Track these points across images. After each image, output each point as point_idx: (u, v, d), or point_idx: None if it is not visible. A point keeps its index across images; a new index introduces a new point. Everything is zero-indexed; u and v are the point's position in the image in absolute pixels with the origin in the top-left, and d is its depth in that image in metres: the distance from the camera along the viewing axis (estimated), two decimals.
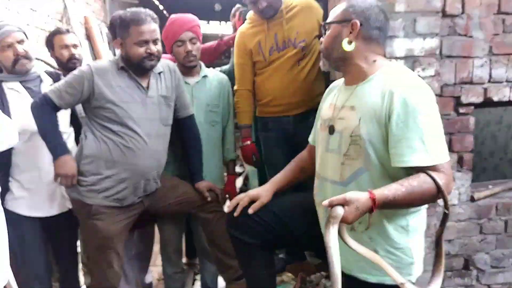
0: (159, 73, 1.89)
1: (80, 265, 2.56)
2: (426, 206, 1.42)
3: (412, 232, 1.36)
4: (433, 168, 1.22)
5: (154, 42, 1.77)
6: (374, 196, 1.13)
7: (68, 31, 2.39)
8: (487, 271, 2.12)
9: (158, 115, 1.85)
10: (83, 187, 1.79)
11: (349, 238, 1.19)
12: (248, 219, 1.57)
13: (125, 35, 1.76)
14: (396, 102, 1.24)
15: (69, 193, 1.87)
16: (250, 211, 1.54)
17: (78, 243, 2.36)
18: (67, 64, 2.25)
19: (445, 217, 1.27)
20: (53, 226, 2.04)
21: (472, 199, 2.05)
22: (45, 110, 1.75)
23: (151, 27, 1.76)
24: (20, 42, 1.89)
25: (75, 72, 1.80)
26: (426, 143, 1.21)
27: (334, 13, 1.42)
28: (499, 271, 2.12)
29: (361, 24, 1.34)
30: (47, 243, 2.10)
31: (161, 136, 1.87)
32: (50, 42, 2.30)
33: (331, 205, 1.12)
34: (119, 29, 1.78)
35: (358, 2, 1.38)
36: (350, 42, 1.35)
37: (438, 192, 1.20)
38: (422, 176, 1.20)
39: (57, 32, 2.35)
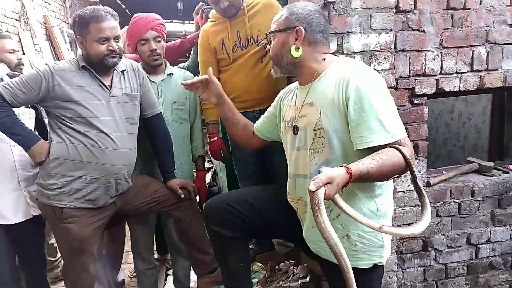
0: (122, 71, 1.88)
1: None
2: (391, 190, 1.50)
3: (382, 216, 1.44)
4: (395, 144, 1.29)
5: (115, 39, 1.76)
6: (350, 171, 1.17)
7: (8, 35, 2.37)
8: (443, 251, 2.26)
9: (123, 113, 1.84)
10: (52, 191, 1.76)
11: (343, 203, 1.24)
12: (226, 212, 1.62)
13: (85, 32, 1.74)
14: (350, 89, 1.32)
15: (38, 197, 1.83)
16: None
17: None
18: (14, 70, 2.22)
19: (414, 179, 1.34)
20: (18, 233, 2.01)
21: (428, 184, 2.17)
22: None
23: (111, 24, 1.75)
24: None
25: (32, 70, 1.75)
26: (383, 123, 1.29)
27: (277, 22, 1.50)
28: (455, 251, 2.27)
29: (305, 30, 1.42)
30: (13, 250, 2.06)
31: (128, 134, 1.86)
32: None
33: (318, 187, 1.12)
34: (79, 27, 1.76)
35: (298, 10, 1.45)
36: (297, 49, 1.43)
37: (406, 164, 1.26)
38: (391, 150, 1.26)
39: None
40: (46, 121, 2.00)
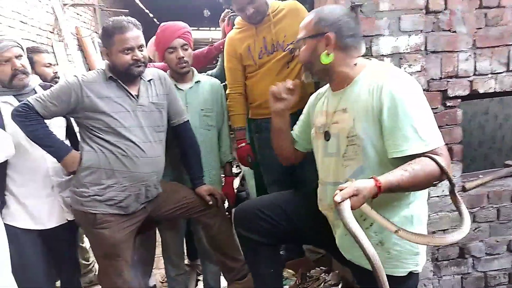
0: (149, 81, 1.92)
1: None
2: (426, 196, 1.46)
3: (416, 222, 1.40)
4: (430, 153, 1.25)
5: (139, 48, 1.79)
6: (380, 184, 1.16)
7: (45, 50, 2.46)
8: (482, 259, 2.17)
9: (150, 122, 1.87)
10: (85, 198, 1.80)
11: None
12: (256, 217, 1.61)
13: (110, 43, 1.78)
14: (384, 95, 1.29)
15: (72, 204, 1.89)
16: None
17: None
18: (50, 83, 2.30)
19: (452, 190, 1.31)
20: (52, 238, 2.05)
21: (464, 189, 2.09)
22: (31, 117, 1.74)
23: (135, 34, 1.78)
24: (18, 57, 1.90)
25: (61, 83, 1.80)
26: (418, 130, 1.25)
27: (305, 28, 1.47)
28: (494, 258, 2.18)
29: (335, 35, 1.39)
30: (47, 255, 2.10)
31: (156, 142, 1.89)
32: (30, 60, 2.34)
33: (343, 199, 1.13)
34: (104, 38, 1.81)
35: (327, 15, 1.43)
36: (328, 55, 1.40)
37: (441, 173, 1.22)
38: (424, 159, 1.23)
39: (36, 50, 2.40)
40: (76, 129, 2.05)
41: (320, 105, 1.57)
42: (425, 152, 1.25)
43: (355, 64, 1.43)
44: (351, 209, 1.13)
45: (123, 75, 1.81)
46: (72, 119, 2.03)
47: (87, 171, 1.81)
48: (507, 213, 2.13)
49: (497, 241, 2.16)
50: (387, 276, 1.37)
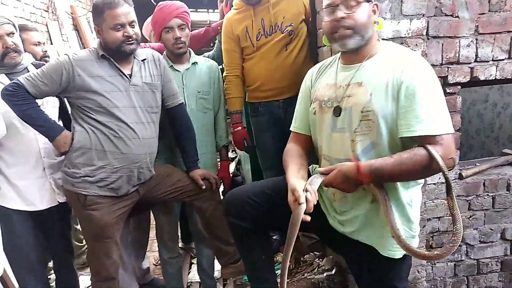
0: (143, 61, 1.87)
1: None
2: (421, 182, 1.46)
3: (414, 206, 1.42)
4: (435, 138, 1.24)
5: (131, 24, 1.74)
6: (358, 164, 1.18)
7: (34, 28, 2.40)
8: (476, 246, 2.18)
9: (143, 103, 1.84)
10: (76, 178, 1.78)
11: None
12: (245, 204, 1.59)
13: (100, 20, 1.74)
14: (405, 75, 1.28)
15: (63, 184, 1.87)
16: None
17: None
18: (40, 61, 2.25)
19: (448, 186, 1.30)
20: (44, 219, 2.03)
21: (461, 177, 2.09)
22: (22, 96, 1.70)
23: (126, 10, 1.73)
24: (10, 34, 1.85)
25: (52, 62, 1.76)
26: (432, 114, 1.25)
27: None
28: (488, 246, 2.18)
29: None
30: (40, 236, 2.09)
31: (149, 123, 1.86)
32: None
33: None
34: (95, 16, 1.76)
35: None
36: (378, 22, 1.40)
37: (433, 164, 1.21)
38: (415, 149, 1.24)
39: (24, 28, 2.35)
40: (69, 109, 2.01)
41: (326, 78, 1.51)
42: (433, 136, 1.24)
43: (378, 40, 1.43)
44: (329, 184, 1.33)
45: (115, 53, 1.77)
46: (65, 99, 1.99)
47: (79, 152, 1.78)
48: (502, 202, 2.13)
49: (491, 229, 2.16)
50: (385, 258, 1.40)
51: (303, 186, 1.35)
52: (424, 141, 1.25)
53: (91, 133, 1.77)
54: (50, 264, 2.41)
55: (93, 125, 1.77)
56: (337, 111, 1.40)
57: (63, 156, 1.85)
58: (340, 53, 1.49)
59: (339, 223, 1.50)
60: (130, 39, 1.74)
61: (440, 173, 2.01)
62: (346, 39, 1.35)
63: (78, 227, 2.82)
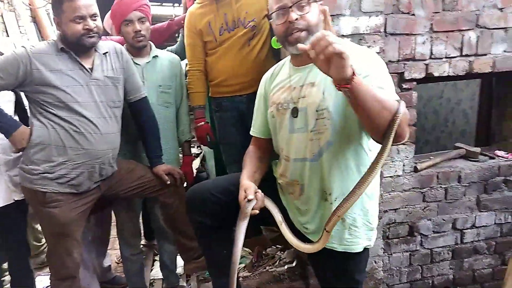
0: (105, 54, 1.83)
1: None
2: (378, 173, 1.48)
3: (373, 198, 1.45)
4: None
5: (92, 17, 1.70)
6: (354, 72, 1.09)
7: None
8: (429, 236, 2.27)
9: (105, 97, 1.79)
10: (35, 175, 1.72)
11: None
12: (207, 200, 1.58)
13: (60, 11, 1.68)
14: (356, 64, 1.25)
15: (21, 181, 1.80)
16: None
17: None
18: None
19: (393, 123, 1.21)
20: None
21: (416, 170, 2.17)
22: None
23: (87, 2, 1.68)
24: None
25: (8, 54, 1.68)
26: (388, 90, 1.26)
27: None
28: (440, 236, 2.29)
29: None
30: None
31: (111, 118, 1.82)
32: None
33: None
34: (54, 7, 1.70)
35: None
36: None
37: (394, 111, 1.15)
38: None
39: None
40: (26, 104, 1.94)
41: (281, 81, 1.53)
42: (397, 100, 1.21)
43: None
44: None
45: (75, 46, 1.72)
46: (22, 94, 1.91)
47: (37, 148, 1.72)
48: (454, 193, 2.23)
49: (444, 220, 2.26)
50: (345, 253, 1.44)
51: (254, 188, 1.43)
52: None
53: (50, 129, 1.71)
54: (5, 265, 2.32)
55: (52, 120, 1.71)
56: (295, 112, 1.42)
57: (20, 153, 1.78)
58: (291, 56, 1.49)
59: (300, 224, 1.52)
60: (91, 32, 1.70)
61: (396, 166, 2.10)
62: (301, 41, 1.33)
63: (37, 226, 2.73)
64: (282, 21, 1.36)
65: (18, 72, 1.65)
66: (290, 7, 1.33)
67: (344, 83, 1.07)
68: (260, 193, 1.44)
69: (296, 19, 1.33)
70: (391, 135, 1.16)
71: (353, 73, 1.06)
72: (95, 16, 1.71)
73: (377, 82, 1.24)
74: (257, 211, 1.40)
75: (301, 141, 1.42)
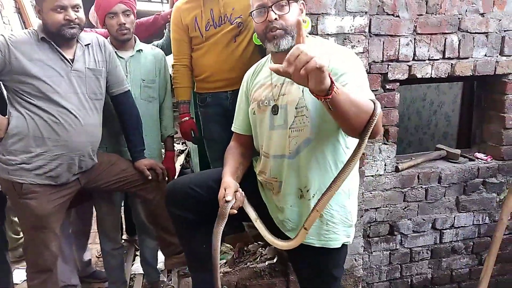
0: (87, 45, 1.81)
1: None
2: (357, 169, 1.49)
3: (352, 195, 1.46)
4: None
5: (74, 8, 1.68)
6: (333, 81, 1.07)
7: None
8: (409, 236, 2.30)
9: (86, 89, 1.78)
10: (11, 166, 1.70)
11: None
12: (187, 195, 1.57)
13: (41, 0, 1.66)
14: (333, 63, 1.29)
15: None
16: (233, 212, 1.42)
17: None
18: None
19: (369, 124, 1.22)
20: None
21: (397, 170, 2.20)
22: None
23: None
24: None
25: None
26: (364, 90, 1.28)
27: None
28: (420, 235, 2.32)
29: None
30: None
31: (92, 110, 1.80)
32: None
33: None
34: None
35: None
36: (304, 21, 1.40)
37: (370, 112, 1.17)
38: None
39: None
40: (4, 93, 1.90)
41: (262, 79, 1.54)
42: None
43: (307, 36, 1.44)
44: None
45: (56, 37, 1.70)
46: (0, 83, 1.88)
47: (15, 138, 1.70)
48: (434, 193, 2.26)
49: (424, 219, 2.29)
50: (323, 248, 1.44)
51: (234, 186, 1.44)
52: None
53: (28, 119, 1.68)
54: None
55: (31, 110, 1.68)
56: (275, 110, 1.44)
57: None
58: (271, 53, 1.50)
59: (279, 220, 1.53)
60: (72, 23, 1.67)
61: (378, 166, 2.12)
62: (278, 39, 1.36)
63: (15, 218, 2.69)
64: (261, 20, 1.38)
65: None
66: (270, 6, 1.35)
67: (324, 94, 1.07)
68: (240, 192, 1.44)
69: (275, 18, 1.34)
70: (367, 135, 1.18)
71: (332, 83, 1.05)
72: (77, 7, 1.69)
73: (353, 80, 1.26)
74: (235, 211, 1.41)
75: (281, 138, 1.43)
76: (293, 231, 1.47)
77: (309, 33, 1.84)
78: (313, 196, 1.40)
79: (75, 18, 1.68)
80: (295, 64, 1.03)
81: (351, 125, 1.19)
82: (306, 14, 1.82)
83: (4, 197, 2.01)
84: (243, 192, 1.46)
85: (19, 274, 2.64)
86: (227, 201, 1.38)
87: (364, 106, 1.16)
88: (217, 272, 1.44)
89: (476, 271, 2.45)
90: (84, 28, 2.29)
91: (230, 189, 1.43)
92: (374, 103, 1.19)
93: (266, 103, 1.47)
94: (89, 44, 1.82)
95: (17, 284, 2.52)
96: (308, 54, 1.00)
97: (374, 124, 1.16)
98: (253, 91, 1.57)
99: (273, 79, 1.48)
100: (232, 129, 1.71)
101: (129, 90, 2.00)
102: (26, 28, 5.03)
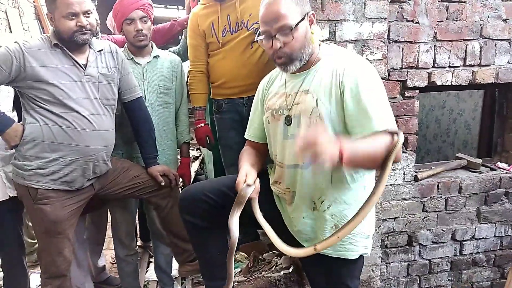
0: (99, 51, 1.82)
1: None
2: (372, 180, 1.46)
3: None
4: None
5: (85, 14, 1.68)
6: (342, 146, 1.07)
7: None
8: (428, 247, 2.25)
9: (99, 94, 1.78)
10: (27, 171, 1.71)
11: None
12: (201, 201, 1.56)
13: (53, 8, 1.67)
14: (347, 77, 1.30)
15: (14, 177, 1.78)
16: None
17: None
18: None
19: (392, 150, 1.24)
20: None
21: (416, 179, 2.15)
22: None
23: None
24: None
25: (1, 50, 1.66)
26: (379, 110, 1.27)
27: (291, 12, 1.32)
28: (439, 246, 2.26)
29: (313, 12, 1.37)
30: None
31: (106, 115, 1.80)
32: None
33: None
34: (48, 2, 1.69)
35: None
36: (312, 33, 1.37)
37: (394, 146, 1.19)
38: (378, 134, 1.22)
39: None
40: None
41: (276, 88, 1.53)
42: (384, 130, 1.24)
43: (320, 44, 1.43)
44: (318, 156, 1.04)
45: (69, 43, 1.71)
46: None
47: (30, 144, 1.70)
48: (454, 204, 2.21)
49: (443, 230, 2.24)
50: (338, 259, 1.41)
51: (255, 174, 1.40)
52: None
53: (43, 125, 1.69)
54: None
55: (45, 116, 1.69)
56: (288, 120, 1.43)
57: (13, 150, 1.77)
58: None
59: (295, 232, 1.50)
60: (84, 29, 1.68)
61: (396, 175, 2.08)
62: (286, 66, 1.36)
63: (30, 223, 2.71)
64: (268, 46, 1.37)
65: (11, 68, 1.63)
66: (274, 35, 1.32)
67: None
68: (258, 183, 1.39)
69: (280, 47, 1.33)
70: (387, 168, 1.19)
71: (341, 155, 1.05)
72: (88, 13, 1.70)
73: (368, 99, 1.26)
74: (256, 196, 1.36)
75: (294, 148, 1.40)
76: (309, 241, 1.44)
77: (326, 40, 1.83)
78: (328, 208, 1.38)
79: (87, 24, 1.68)
80: (308, 148, 1.04)
81: (371, 167, 1.30)
82: (325, 20, 1.81)
83: (21, 202, 2.02)
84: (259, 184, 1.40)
85: (35, 279, 2.65)
86: (248, 185, 1.33)
87: (380, 151, 1.17)
88: (232, 263, 1.37)
89: (499, 285, 2.37)
90: (102, 35, 2.33)
91: (251, 175, 1.39)
92: (393, 134, 1.19)
93: (280, 112, 1.46)
94: (101, 50, 1.83)
95: None
96: (322, 150, 1.02)
97: (393, 157, 1.18)
98: (267, 99, 1.56)
99: (287, 88, 1.46)
100: (246, 136, 1.70)
101: (141, 96, 2.00)
102: (45, 33, 5.13)
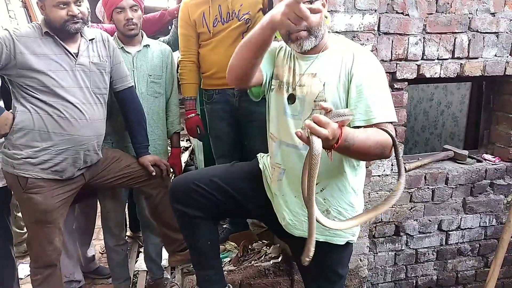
0: (91, 40, 1.80)
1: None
2: (364, 170, 1.50)
3: (359, 194, 1.46)
4: (383, 125, 1.27)
5: (76, 3, 1.67)
6: (342, 130, 1.08)
7: None
8: (415, 237, 2.29)
9: (91, 83, 1.77)
10: (17, 160, 1.69)
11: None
12: (191, 191, 1.57)
13: None
14: (356, 66, 1.32)
15: (3, 166, 1.77)
16: None
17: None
18: None
19: (399, 166, 1.33)
20: None
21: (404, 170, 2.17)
22: None
23: None
24: None
25: None
26: (382, 102, 1.29)
27: None
28: (425, 236, 2.30)
29: None
30: None
31: (97, 104, 1.79)
32: None
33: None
34: None
35: None
36: (326, 17, 1.38)
37: (390, 148, 1.24)
38: (378, 130, 1.24)
39: None
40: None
41: (285, 60, 1.50)
42: (381, 123, 1.27)
43: (329, 32, 1.44)
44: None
45: (60, 31, 1.69)
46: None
47: (20, 133, 1.69)
48: (440, 194, 2.24)
49: (430, 221, 2.28)
50: (327, 244, 1.44)
51: None
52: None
53: (33, 113, 1.68)
54: None
55: (36, 105, 1.67)
56: (292, 99, 1.42)
57: (3, 138, 1.75)
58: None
59: (280, 213, 1.52)
60: (75, 18, 1.66)
61: (384, 165, 2.10)
62: (302, 40, 1.33)
63: (20, 214, 2.69)
64: None
65: (1, 56, 1.61)
66: None
67: (328, 148, 1.10)
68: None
69: None
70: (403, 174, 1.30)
71: (338, 139, 1.07)
72: (79, 2, 1.68)
73: (374, 95, 1.28)
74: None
75: (293, 127, 1.41)
76: (292, 226, 1.48)
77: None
78: (321, 190, 1.40)
79: (78, 13, 1.67)
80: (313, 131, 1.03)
81: (358, 160, 1.36)
82: None
83: (9, 192, 2.00)
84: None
85: (23, 269, 2.64)
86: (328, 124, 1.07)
87: (372, 148, 1.20)
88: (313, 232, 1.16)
89: (482, 273, 2.43)
90: (91, 23, 2.30)
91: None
92: (387, 132, 1.22)
93: (285, 87, 1.45)
94: (93, 39, 1.81)
95: (21, 279, 2.51)
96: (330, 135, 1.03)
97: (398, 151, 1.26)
98: (278, 63, 1.52)
99: (296, 66, 1.44)
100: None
101: (132, 86, 1.99)
102: (32, 22, 5.04)
